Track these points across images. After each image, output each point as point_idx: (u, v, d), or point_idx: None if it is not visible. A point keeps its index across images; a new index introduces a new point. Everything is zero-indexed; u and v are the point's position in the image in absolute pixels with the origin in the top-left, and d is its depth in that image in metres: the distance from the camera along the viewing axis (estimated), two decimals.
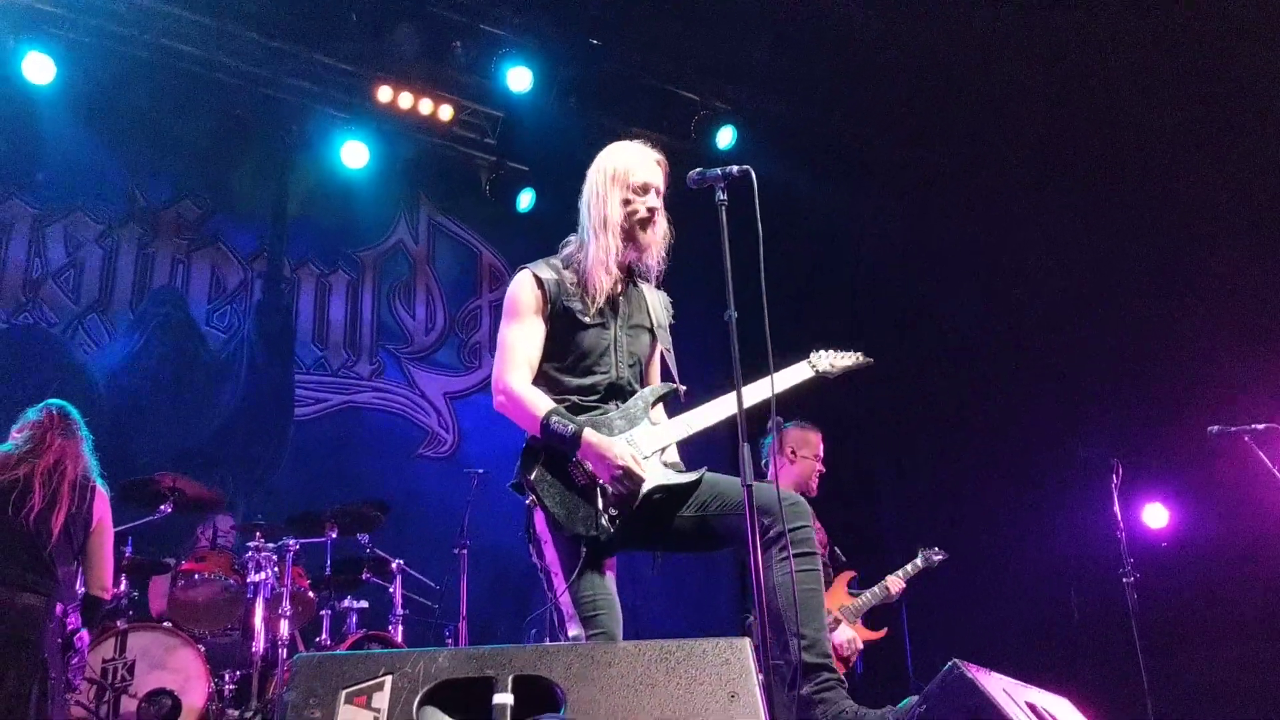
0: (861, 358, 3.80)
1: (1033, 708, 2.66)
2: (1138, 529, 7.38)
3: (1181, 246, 7.56)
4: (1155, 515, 7.70)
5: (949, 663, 2.67)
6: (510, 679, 2.04)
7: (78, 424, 5.04)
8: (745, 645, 2.09)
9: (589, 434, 3.21)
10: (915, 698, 2.78)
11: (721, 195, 3.29)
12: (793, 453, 5.70)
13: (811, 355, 3.70)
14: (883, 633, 6.01)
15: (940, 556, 6.17)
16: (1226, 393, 6.80)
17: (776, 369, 3.40)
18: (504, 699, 2.01)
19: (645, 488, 3.20)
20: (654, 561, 3.52)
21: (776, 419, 5.75)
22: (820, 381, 3.68)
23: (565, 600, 3.19)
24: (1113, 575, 6.15)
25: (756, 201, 3.21)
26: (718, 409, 3.39)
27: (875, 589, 5.92)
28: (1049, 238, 8.13)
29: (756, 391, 3.35)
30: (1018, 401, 8.18)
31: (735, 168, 3.30)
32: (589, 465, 3.21)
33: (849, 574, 5.99)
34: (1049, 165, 8.10)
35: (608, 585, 3.23)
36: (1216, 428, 5.82)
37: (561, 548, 3.22)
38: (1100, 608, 7.04)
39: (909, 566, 6.09)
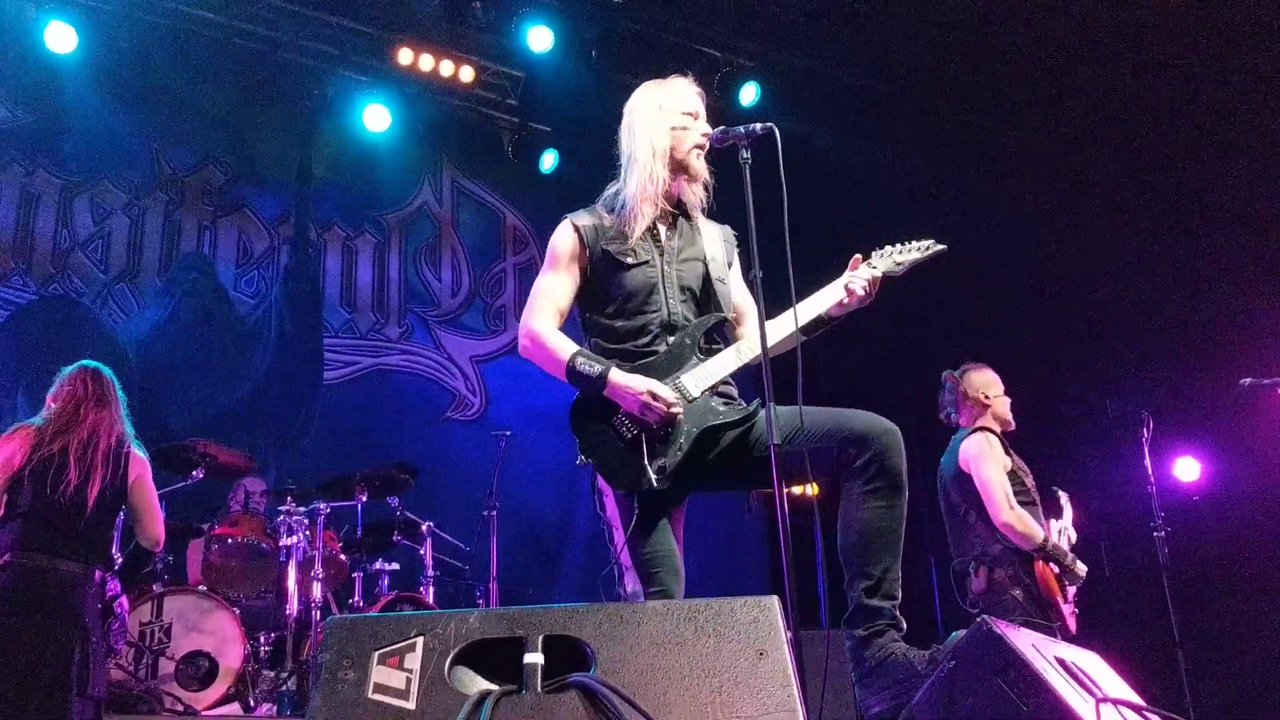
0: (932, 246, 3.48)
1: (1061, 662, 2.66)
2: (1169, 483, 7.34)
3: (1213, 198, 7.45)
4: (1186, 469, 7.67)
5: (978, 618, 2.67)
6: (540, 639, 2.05)
7: (111, 385, 5.03)
8: (774, 604, 2.09)
9: (615, 373, 3.13)
10: (960, 632, 2.78)
11: (745, 153, 3.24)
12: (985, 396, 5.44)
13: (872, 256, 3.44)
14: None
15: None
16: (1258, 344, 6.74)
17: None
18: (534, 658, 2.03)
19: (693, 430, 3.09)
20: (747, 506, 3.43)
21: (948, 371, 5.62)
22: (887, 282, 3.40)
23: (625, 556, 3.15)
24: (1144, 529, 6.13)
25: (780, 159, 3.14)
26: (770, 333, 3.16)
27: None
28: (1078, 193, 8.04)
29: (811, 306, 3.29)
30: (1047, 355, 8.12)
31: (759, 125, 3.24)
32: (625, 407, 3.13)
33: None
34: (1080, 119, 7.98)
35: (669, 541, 3.16)
36: (1248, 380, 5.76)
37: (621, 501, 3.17)
38: (1131, 562, 7.02)
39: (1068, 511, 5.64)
